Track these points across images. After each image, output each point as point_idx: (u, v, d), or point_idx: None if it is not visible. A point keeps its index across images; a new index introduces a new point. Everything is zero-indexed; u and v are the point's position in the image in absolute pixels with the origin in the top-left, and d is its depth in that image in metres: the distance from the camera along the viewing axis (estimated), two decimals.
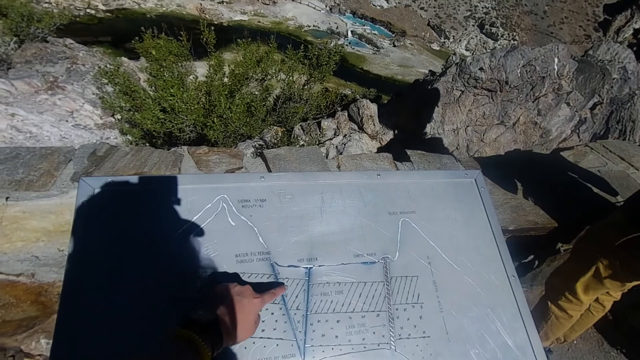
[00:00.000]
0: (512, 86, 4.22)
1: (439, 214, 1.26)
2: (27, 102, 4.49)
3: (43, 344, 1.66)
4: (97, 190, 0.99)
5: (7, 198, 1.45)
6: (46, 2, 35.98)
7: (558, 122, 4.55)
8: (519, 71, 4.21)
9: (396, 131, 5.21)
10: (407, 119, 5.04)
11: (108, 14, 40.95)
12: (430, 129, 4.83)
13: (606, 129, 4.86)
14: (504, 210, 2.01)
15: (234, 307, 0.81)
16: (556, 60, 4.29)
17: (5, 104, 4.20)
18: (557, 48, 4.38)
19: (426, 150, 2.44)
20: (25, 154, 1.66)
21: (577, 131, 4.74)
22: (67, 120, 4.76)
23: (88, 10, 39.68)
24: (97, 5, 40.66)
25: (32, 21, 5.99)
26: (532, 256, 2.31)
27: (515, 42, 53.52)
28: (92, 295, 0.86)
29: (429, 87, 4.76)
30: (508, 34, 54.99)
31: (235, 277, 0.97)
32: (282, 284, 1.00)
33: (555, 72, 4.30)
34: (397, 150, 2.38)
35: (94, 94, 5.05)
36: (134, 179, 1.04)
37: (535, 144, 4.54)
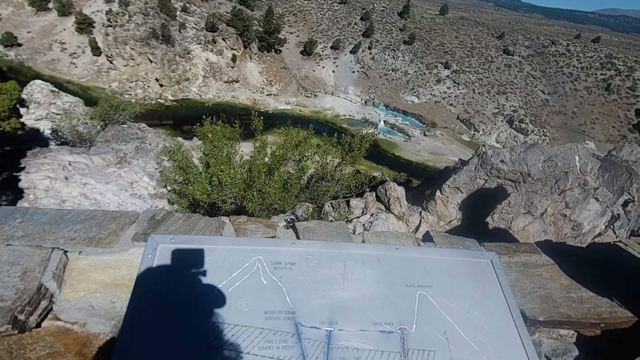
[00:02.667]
0: (535, 178, 4.31)
1: (455, 291, 1.32)
2: (99, 174, 5.29)
3: None
4: (160, 245, 1.22)
5: (80, 252, 1.72)
6: (128, 94, 43.83)
7: (589, 216, 4.41)
8: (540, 165, 4.34)
9: (422, 213, 5.30)
10: (435, 202, 5.16)
11: (174, 102, 48.55)
12: (456, 214, 4.87)
13: None
14: (532, 299, 1.94)
15: None
16: (577, 157, 4.40)
17: (82, 174, 5.00)
18: (577, 147, 4.53)
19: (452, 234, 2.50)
20: (100, 216, 1.99)
21: (612, 227, 4.53)
22: (126, 190, 5.45)
23: (159, 100, 47.47)
24: (167, 97, 48.68)
25: (118, 110, 7.43)
26: (576, 354, 2.08)
27: (546, 137, 54.32)
28: (142, 337, 1.01)
29: (453, 174, 4.98)
30: (539, 130, 56.28)
31: None
32: None
33: (578, 169, 4.37)
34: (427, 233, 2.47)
35: (154, 168, 5.86)
36: (191, 238, 1.27)
37: (568, 236, 4.37)
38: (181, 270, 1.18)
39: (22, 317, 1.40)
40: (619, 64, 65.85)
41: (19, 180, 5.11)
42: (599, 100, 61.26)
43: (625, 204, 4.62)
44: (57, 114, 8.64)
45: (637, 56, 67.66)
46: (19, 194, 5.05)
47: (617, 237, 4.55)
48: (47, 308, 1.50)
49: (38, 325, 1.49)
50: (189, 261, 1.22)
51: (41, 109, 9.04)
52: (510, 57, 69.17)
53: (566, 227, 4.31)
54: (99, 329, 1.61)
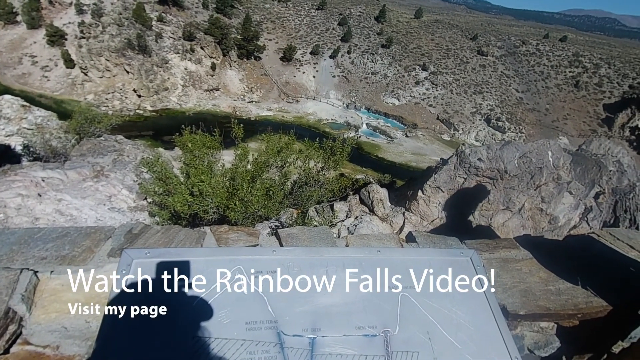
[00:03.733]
0: (511, 175, 4.46)
1: (437, 290, 1.34)
2: (74, 189, 5.09)
3: None
4: (135, 260, 1.18)
5: (51, 272, 1.65)
6: (105, 106, 42.60)
7: (564, 210, 4.60)
8: (516, 162, 4.50)
9: (405, 214, 5.37)
10: (417, 203, 5.25)
11: (153, 113, 47.56)
12: (438, 213, 4.97)
13: (615, 218, 4.83)
14: (512, 293, 1.99)
15: None
16: (550, 153, 4.59)
17: (56, 190, 4.79)
18: (549, 143, 4.73)
19: (435, 234, 2.54)
20: (73, 233, 1.91)
21: (586, 219, 4.74)
22: (104, 204, 5.27)
23: (137, 111, 46.38)
24: (145, 107, 47.63)
25: (93, 122, 7.20)
26: (558, 346, 2.15)
27: (522, 134, 56.38)
28: (122, 351, 0.97)
29: (434, 174, 5.09)
30: (515, 127, 58.35)
31: None
32: None
33: (551, 164, 4.56)
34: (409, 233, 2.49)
35: (133, 180, 5.68)
36: (167, 251, 1.23)
37: (545, 230, 4.53)
38: (158, 285, 1.15)
39: None
40: (585, 62, 69.36)
41: None
42: (569, 96, 64.23)
43: (596, 196, 4.85)
44: (28, 129, 8.29)
45: (602, 54, 71.53)
46: None
47: (590, 229, 4.75)
48: (15, 332, 1.43)
49: (6, 351, 1.42)
50: (165, 275, 1.19)
51: (11, 124, 8.66)
52: (484, 57, 71.65)
53: (543, 221, 4.48)
54: (73, 350, 1.54)
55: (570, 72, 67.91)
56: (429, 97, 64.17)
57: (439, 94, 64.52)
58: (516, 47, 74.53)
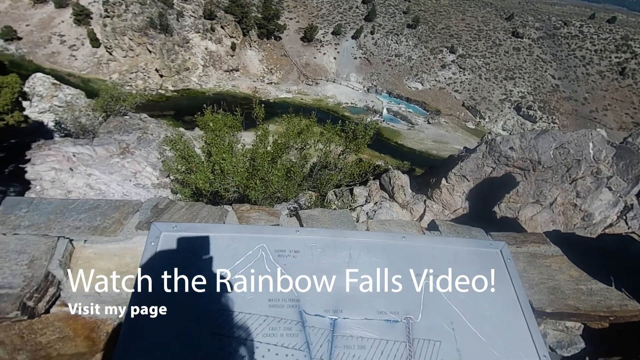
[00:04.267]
0: (545, 166, 4.21)
1: (462, 281, 1.30)
2: (102, 165, 5.31)
3: None
4: (163, 233, 1.21)
5: (85, 241, 1.73)
6: (129, 85, 43.67)
7: (601, 206, 4.31)
8: (551, 153, 4.22)
9: (426, 202, 5.26)
10: (440, 191, 5.11)
11: (175, 93, 48.34)
12: (462, 202, 4.82)
13: None
14: (539, 290, 1.92)
15: None
16: (591, 144, 4.26)
17: (86, 165, 5.02)
18: (591, 134, 4.38)
19: (457, 223, 2.47)
20: (104, 205, 1.99)
21: (625, 218, 4.45)
22: (130, 180, 5.47)
23: (159, 91, 47.26)
24: (167, 87, 48.43)
25: (119, 101, 7.41)
26: (582, 346, 2.07)
27: (555, 125, 53.36)
28: (146, 323, 1.01)
29: (460, 162, 4.91)
30: (547, 117, 55.25)
31: None
32: None
33: (592, 156, 4.24)
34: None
35: (156, 158, 5.86)
36: (193, 225, 1.26)
37: (577, 226, 4.29)
38: (184, 258, 1.18)
39: (30, 303, 1.42)
40: (635, 46, 63.59)
41: (26, 172, 5.16)
42: (612, 85, 59.64)
43: (639, 194, 4.52)
44: (59, 107, 8.64)
45: None
46: (26, 185, 5.11)
47: (629, 228, 4.47)
48: (55, 295, 1.52)
49: (47, 311, 1.51)
50: (192, 249, 1.21)
51: (44, 101, 9.05)
52: (519, 39, 67.29)
53: (576, 217, 4.24)
54: (106, 314, 1.63)
55: (616, 57, 62.55)
56: (455, 82, 61.55)
57: (466, 78, 61.73)
58: (556, 29, 69.35)
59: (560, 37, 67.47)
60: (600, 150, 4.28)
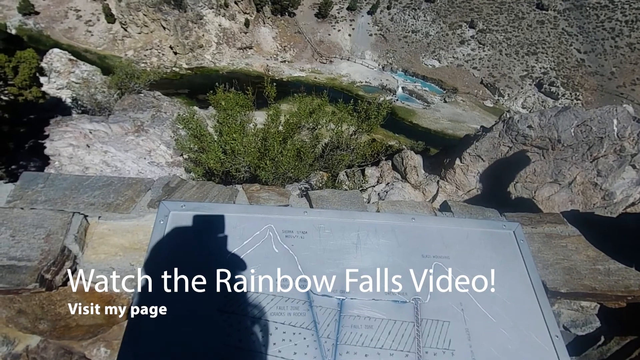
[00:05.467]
0: (565, 145, 4.00)
1: (473, 262, 1.27)
2: (118, 142, 5.41)
3: (102, 353, 1.85)
4: (172, 212, 1.22)
5: (99, 217, 1.77)
6: (144, 62, 43.73)
7: (623, 185, 4.11)
8: (572, 130, 4.00)
9: (439, 182, 5.15)
10: (453, 171, 4.99)
11: (189, 71, 48.14)
12: (476, 183, 4.70)
13: None
14: (554, 270, 1.87)
15: None
16: (615, 121, 4.02)
17: (102, 142, 5.12)
18: (616, 110, 4.12)
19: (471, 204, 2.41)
20: (117, 183, 2.02)
21: None
22: (145, 158, 5.57)
23: (174, 68, 47.16)
24: (181, 65, 48.25)
25: (133, 78, 7.43)
26: (597, 325, 2.04)
27: (579, 101, 50.63)
28: (158, 300, 1.03)
29: (475, 141, 4.74)
30: (570, 94, 52.50)
31: None
32: None
33: (615, 134, 4.00)
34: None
35: (170, 136, 5.92)
36: (202, 205, 1.26)
37: (597, 206, 4.13)
38: (192, 237, 1.18)
39: (48, 276, 1.48)
40: None
41: (44, 147, 5.31)
42: None
43: None
44: (76, 83, 8.74)
45: None
46: (45, 161, 5.28)
47: None
48: (71, 268, 1.58)
49: (64, 284, 1.58)
50: (200, 228, 1.21)
51: (61, 77, 9.16)
52: (544, 12, 63.06)
53: (596, 196, 4.07)
54: (120, 288, 1.69)
55: None
56: (473, 59, 58.86)
57: (486, 55, 58.89)
58: None
59: (588, 8, 62.67)
60: (625, 127, 4.03)
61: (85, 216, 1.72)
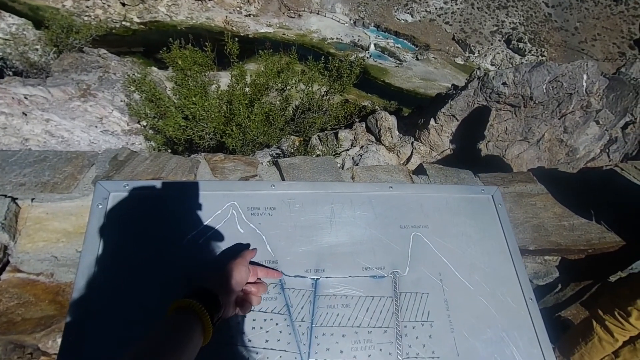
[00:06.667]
0: (536, 102, 4.04)
1: (452, 230, 1.22)
2: (61, 109, 4.79)
3: (59, 343, 1.70)
4: (112, 194, 1.03)
5: (32, 199, 1.52)
6: (86, 15, 38.61)
7: (586, 141, 4.31)
8: (544, 87, 4.02)
9: (414, 144, 5.13)
10: (428, 132, 4.96)
11: (142, 26, 43.30)
12: (449, 143, 4.72)
13: (639, 150, 4.58)
14: (524, 229, 1.92)
15: (225, 270, 0.87)
16: (585, 77, 4.08)
17: (42, 110, 4.50)
18: (587, 64, 4.16)
19: (444, 165, 2.38)
20: (52, 157, 1.74)
21: (607, 151, 4.48)
22: (96, 126, 5.02)
23: (123, 23, 42.16)
24: (132, 18, 43.18)
25: (71, 33, 6.44)
26: (557, 276, 2.17)
27: (544, 58, 51.86)
28: (102, 295, 0.88)
29: (450, 100, 4.67)
30: (536, 50, 53.51)
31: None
32: (279, 271, 1.02)
33: (584, 89, 4.08)
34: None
35: (122, 101, 5.32)
36: (149, 183, 1.07)
37: (560, 162, 4.31)
38: (139, 223, 1.01)
39: None
40: None
41: None
42: (604, 13, 57.10)
43: (625, 126, 4.52)
44: (3, 39, 7.52)
45: None
46: None
47: (610, 161, 4.55)
48: (1, 261, 1.37)
49: None
50: (149, 211, 1.04)
51: None
52: None
53: (561, 152, 4.24)
54: (69, 277, 1.51)
55: None
56: (446, 13, 57.64)
57: (458, 8, 57.78)
58: None
59: None
60: (594, 82, 4.12)
61: (14, 199, 1.47)
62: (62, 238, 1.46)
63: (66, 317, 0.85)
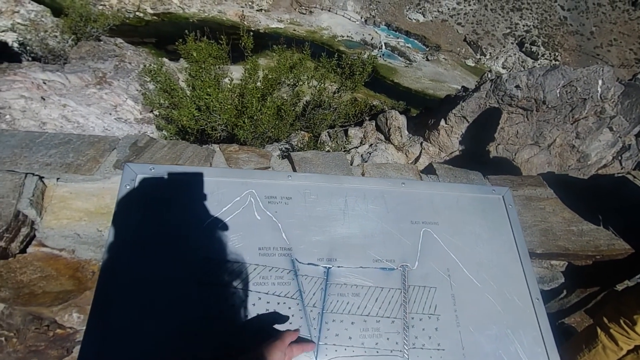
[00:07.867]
0: (549, 106, 4.01)
1: (462, 228, 1.25)
2: (78, 95, 4.88)
3: (75, 318, 1.78)
4: (139, 176, 1.08)
5: (57, 179, 1.59)
6: (101, 5, 38.96)
7: (598, 147, 4.27)
8: (558, 91, 3.99)
9: (423, 144, 5.14)
10: (437, 133, 4.96)
11: (155, 17, 43.60)
12: (458, 145, 4.72)
13: None
14: (532, 232, 1.93)
15: (260, 351, 0.84)
16: (600, 82, 4.03)
17: (59, 95, 4.60)
18: (602, 70, 4.11)
19: (453, 166, 2.40)
20: (76, 141, 1.80)
21: (620, 158, 4.44)
22: (110, 114, 5.11)
23: (137, 13, 42.50)
24: (145, 9, 43.50)
25: (89, 21, 6.54)
26: (562, 281, 2.18)
27: (557, 62, 51.03)
28: (126, 274, 0.94)
29: (461, 102, 4.67)
30: (550, 54, 52.69)
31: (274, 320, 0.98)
32: (313, 342, 0.98)
33: (599, 95, 4.04)
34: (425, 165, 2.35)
35: (136, 90, 5.40)
36: (173, 168, 1.12)
37: (571, 168, 4.29)
38: (164, 204, 1.06)
39: (2, 243, 1.33)
40: None
41: None
42: (621, 17, 55.80)
43: (639, 134, 4.47)
44: (22, 25, 7.65)
45: None
46: None
47: (622, 169, 4.51)
48: (29, 235, 1.43)
49: (23, 251, 1.45)
50: (173, 194, 1.09)
51: (4, 18, 7.97)
52: None
53: (572, 158, 4.20)
54: (89, 255, 1.58)
55: None
56: (458, 14, 56.96)
57: (471, 9, 57.03)
58: None
59: None
60: (609, 88, 4.06)
61: (41, 177, 1.53)
62: (85, 217, 1.52)
63: (95, 286, 0.90)
